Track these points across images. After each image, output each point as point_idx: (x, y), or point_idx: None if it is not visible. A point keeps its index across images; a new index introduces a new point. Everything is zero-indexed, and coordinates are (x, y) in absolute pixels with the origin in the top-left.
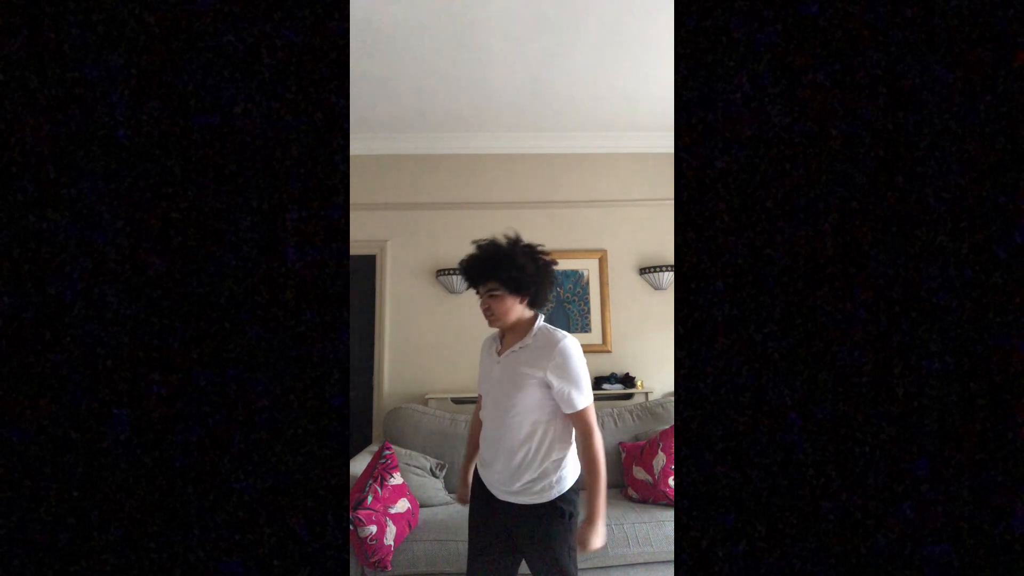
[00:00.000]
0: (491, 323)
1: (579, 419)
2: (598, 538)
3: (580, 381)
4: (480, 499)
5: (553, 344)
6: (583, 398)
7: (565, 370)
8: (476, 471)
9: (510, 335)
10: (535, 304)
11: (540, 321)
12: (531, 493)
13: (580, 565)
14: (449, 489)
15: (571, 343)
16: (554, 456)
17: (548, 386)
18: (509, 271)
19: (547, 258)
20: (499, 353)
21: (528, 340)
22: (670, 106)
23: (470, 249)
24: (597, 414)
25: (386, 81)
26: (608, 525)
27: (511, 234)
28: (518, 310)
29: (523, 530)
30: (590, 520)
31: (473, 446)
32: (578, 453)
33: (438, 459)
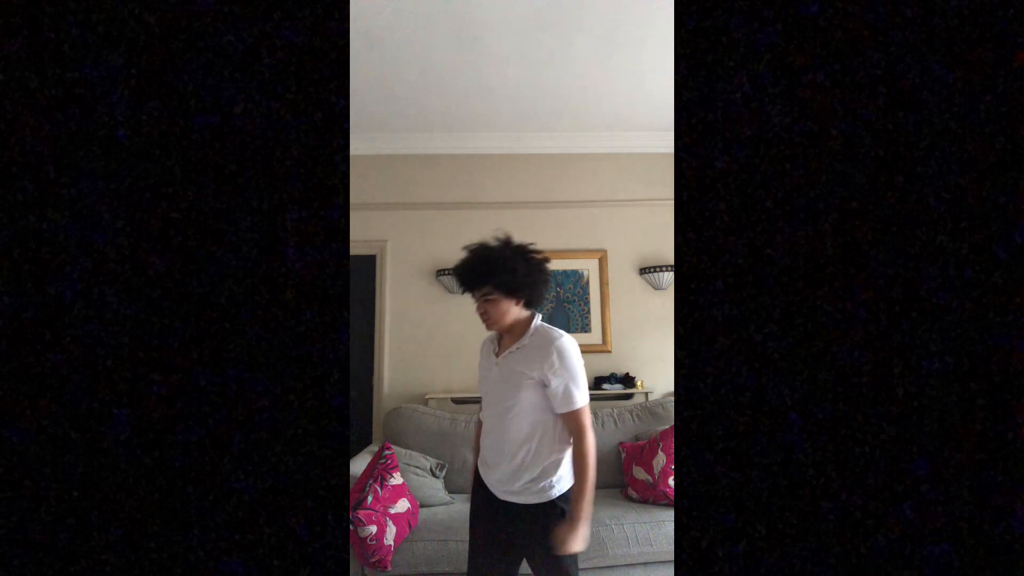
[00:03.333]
0: (488, 327)
1: (574, 419)
2: (579, 541)
3: (577, 379)
4: (481, 498)
5: (550, 343)
6: (581, 396)
7: (562, 368)
8: (476, 471)
9: (508, 336)
10: (531, 304)
11: (537, 320)
12: (532, 492)
13: (580, 565)
14: (449, 489)
15: (568, 341)
16: (554, 456)
17: (546, 385)
18: (502, 274)
19: (539, 257)
20: (497, 355)
21: (525, 340)
22: (670, 106)
23: (464, 252)
24: (597, 414)
25: (386, 81)
26: (608, 525)
27: (501, 235)
28: (514, 312)
29: (523, 529)
30: (572, 521)
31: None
32: (573, 454)
33: (438, 459)
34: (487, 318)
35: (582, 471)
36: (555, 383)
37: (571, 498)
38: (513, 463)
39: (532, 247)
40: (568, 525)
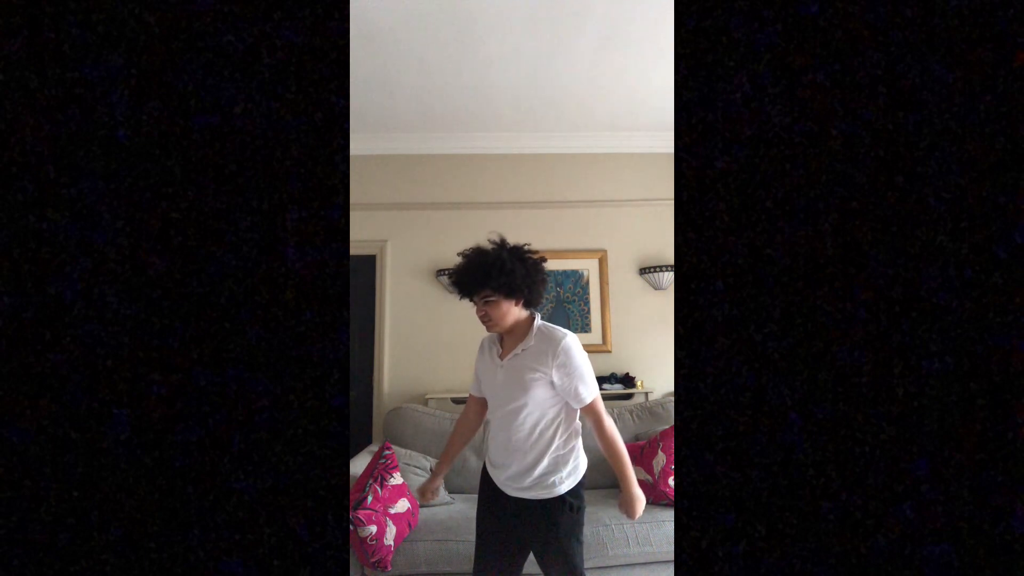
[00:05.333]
0: (489, 329)
1: (589, 411)
2: (639, 504)
3: (585, 376)
4: (488, 494)
5: (555, 342)
6: (589, 392)
7: (569, 367)
8: (485, 469)
9: (509, 338)
10: (530, 304)
11: (538, 320)
12: (541, 488)
13: None
14: (449, 489)
15: (572, 340)
16: (563, 452)
17: (553, 384)
18: (500, 276)
19: (535, 257)
20: (501, 357)
21: (530, 341)
22: (670, 106)
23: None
24: None
25: (386, 81)
26: (608, 525)
27: (495, 238)
28: (515, 313)
29: (532, 524)
30: (628, 491)
31: (456, 446)
32: (599, 443)
33: (438, 459)
34: (488, 320)
35: (614, 451)
36: (564, 382)
37: (619, 476)
38: (524, 462)
39: (527, 247)
40: (625, 498)
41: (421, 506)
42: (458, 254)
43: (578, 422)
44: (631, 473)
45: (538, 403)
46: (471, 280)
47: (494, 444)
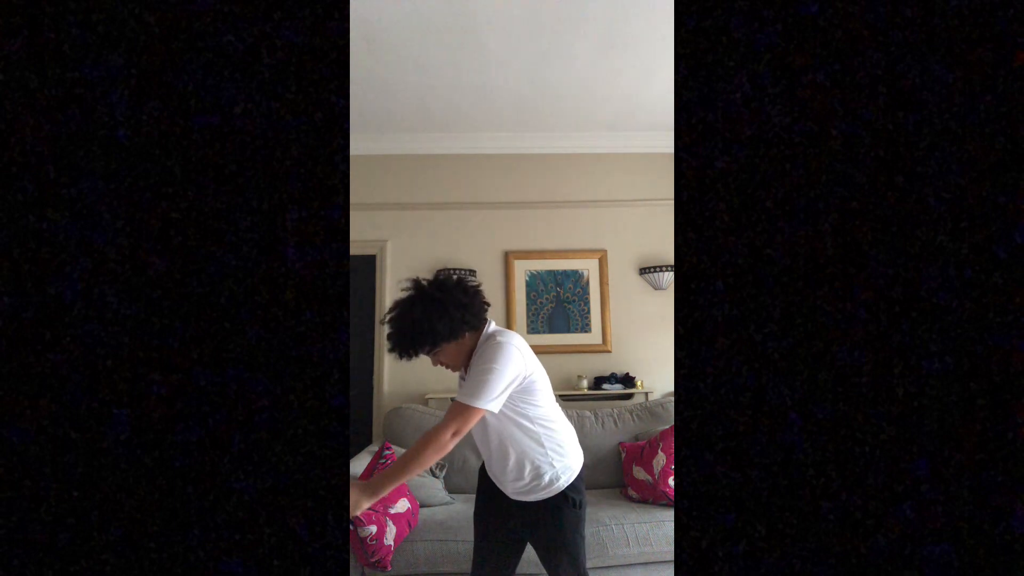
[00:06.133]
0: (454, 371)
1: (451, 409)
2: (353, 503)
3: (483, 378)
4: (486, 492)
5: (484, 340)
6: (471, 393)
7: (478, 362)
8: (483, 468)
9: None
10: (476, 325)
11: (489, 328)
12: (541, 489)
13: None
14: (449, 489)
15: (498, 342)
16: (547, 450)
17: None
18: (427, 335)
19: (454, 281)
20: (463, 377)
21: (477, 352)
22: (670, 106)
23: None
24: (597, 414)
25: (386, 81)
26: (608, 525)
27: (407, 285)
28: (466, 343)
29: (534, 522)
30: (357, 487)
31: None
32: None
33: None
34: (447, 366)
35: (410, 459)
36: (469, 374)
37: (382, 472)
38: (508, 468)
39: (442, 278)
40: (357, 486)
41: (421, 506)
42: (380, 321)
43: (552, 418)
44: (388, 481)
45: (500, 421)
46: (404, 348)
47: (490, 468)
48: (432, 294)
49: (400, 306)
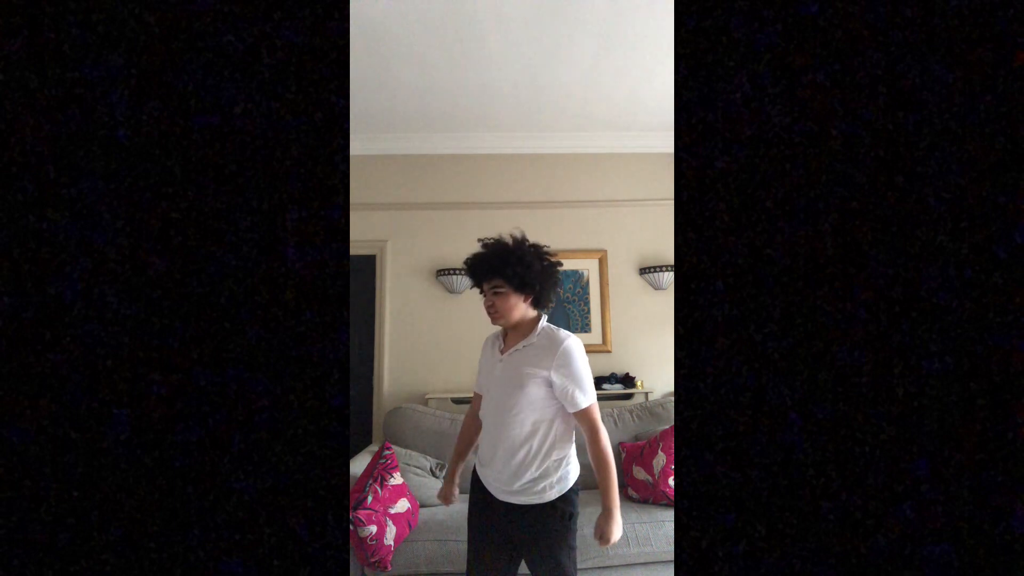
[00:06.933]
0: (494, 320)
1: (583, 417)
2: (616, 529)
3: (583, 380)
4: (479, 498)
5: (557, 343)
6: (586, 397)
7: (568, 368)
8: (475, 470)
9: (513, 334)
10: (539, 303)
11: (544, 321)
12: (531, 493)
13: (580, 565)
14: None
15: (574, 343)
16: (555, 456)
17: (551, 385)
18: (515, 267)
19: (552, 259)
20: (502, 352)
21: (532, 339)
22: (670, 106)
23: (472, 248)
24: None
25: (386, 81)
26: None
27: (517, 234)
28: (521, 308)
29: (522, 530)
30: (608, 514)
31: (464, 444)
32: (588, 452)
33: (438, 459)
34: (494, 311)
35: (603, 466)
36: (561, 383)
37: (601, 492)
38: (513, 462)
39: (547, 249)
40: (604, 517)
41: (421, 506)
42: (478, 240)
43: (572, 431)
44: (615, 493)
45: (532, 402)
46: (486, 266)
47: (485, 441)
48: (538, 250)
49: (500, 239)
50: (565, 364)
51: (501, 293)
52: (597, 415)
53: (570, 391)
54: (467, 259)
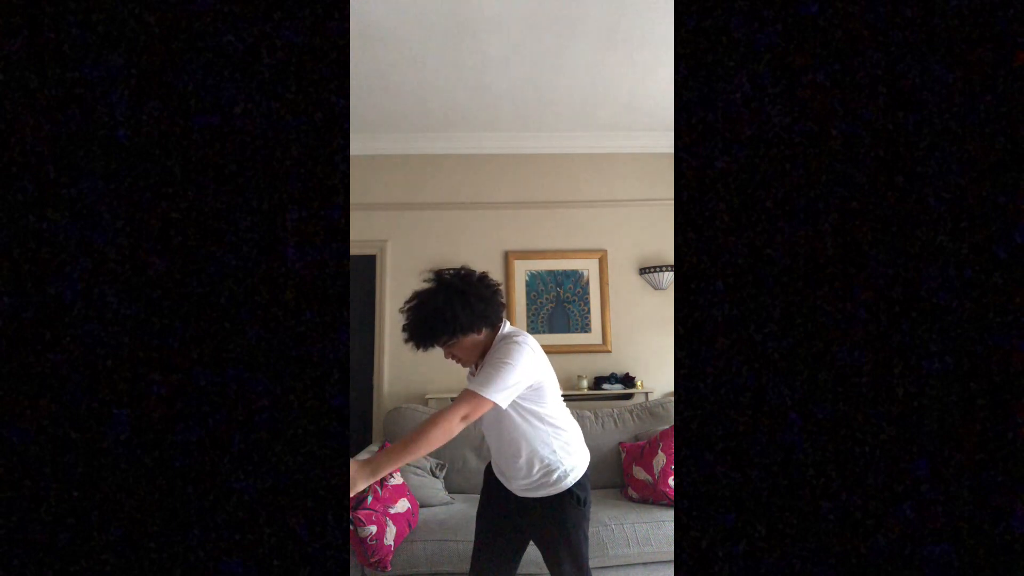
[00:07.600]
0: (464, 365)
1: (465, 395)
2: (352, 480)
3: (497, 371)
4: (492, 490)
5: (501, 339)
6: (483, 384)
7: (492, 356)
8: (489, 468)
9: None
10: (492, 324)
11: (505, 328)
12: (548, 486)
13: None
14: (449, 489)
15: (513, 341)
16: (555, 447)
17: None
18: (447, 324)
19: (481, 283)
20: (472, 374)
21: (490, 353)
22: (670, 106)
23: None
24: (597, 414)
25: (386, 81)
26: (608, 525)
27: (430, 276)
28: (481, 341)
29: (539, 519)
30: (357, 464)
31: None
32: (426, 419)
33: (438, 459)
34: (459, 360)
35: (414, 439)
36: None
37: (385, 450)
38: (518, 464)
39: (463, 272)
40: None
41: (421, 506)
42: (399, 310)
43: (561, 418)
44: (387, 460)
45: (512, 418)
46: (423, 337)
47: (491, 450)
48: (455, 285)
49: (421, 296)
50: (492, 353)
51: (453, 345)
52: (472, 409)
53: (482, 373)
54: (404, 327)
